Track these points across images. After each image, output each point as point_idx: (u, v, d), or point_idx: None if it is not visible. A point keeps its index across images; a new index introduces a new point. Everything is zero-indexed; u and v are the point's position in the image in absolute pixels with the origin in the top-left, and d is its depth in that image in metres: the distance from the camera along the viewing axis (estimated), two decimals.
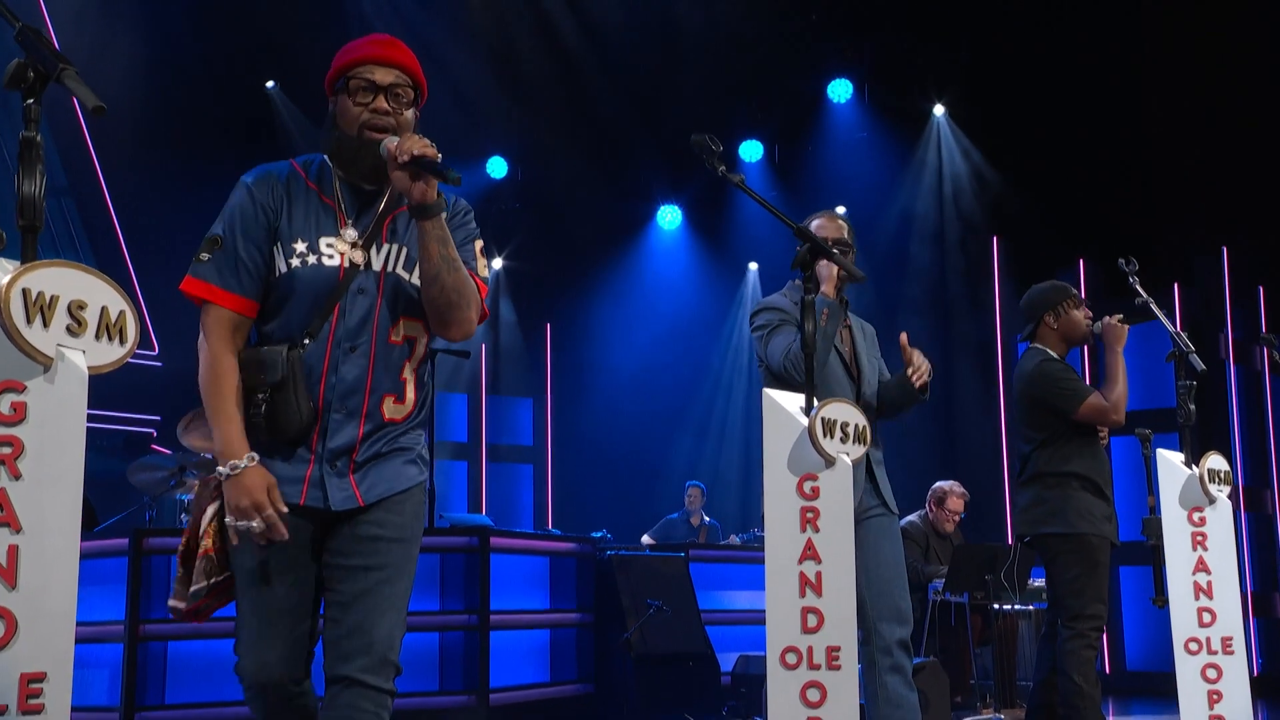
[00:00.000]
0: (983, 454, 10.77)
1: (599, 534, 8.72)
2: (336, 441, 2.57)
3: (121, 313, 2.00)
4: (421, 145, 2.52)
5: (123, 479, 6.90)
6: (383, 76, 2.67)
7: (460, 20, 11.52)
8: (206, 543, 2.58)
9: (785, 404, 3.20)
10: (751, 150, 12.60)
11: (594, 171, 12.28)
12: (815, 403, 3.17)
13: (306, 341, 2.56)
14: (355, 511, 2.59)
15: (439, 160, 2.52)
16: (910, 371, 4.00)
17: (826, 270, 3.98)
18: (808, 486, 3.13)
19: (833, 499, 3.13)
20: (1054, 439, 4.77)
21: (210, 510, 2.59)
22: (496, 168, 12.82)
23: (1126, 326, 4.68)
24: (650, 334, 12.73)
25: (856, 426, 3.21)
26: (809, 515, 3.12)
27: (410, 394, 2.67)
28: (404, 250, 2.67)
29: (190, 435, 6.28)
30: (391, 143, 2.56)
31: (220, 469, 2.51)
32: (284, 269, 2.59)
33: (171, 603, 2.60)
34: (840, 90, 12.29)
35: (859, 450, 3.22)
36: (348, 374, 2.58)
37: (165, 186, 9.85)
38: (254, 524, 2.48)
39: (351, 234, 2.63)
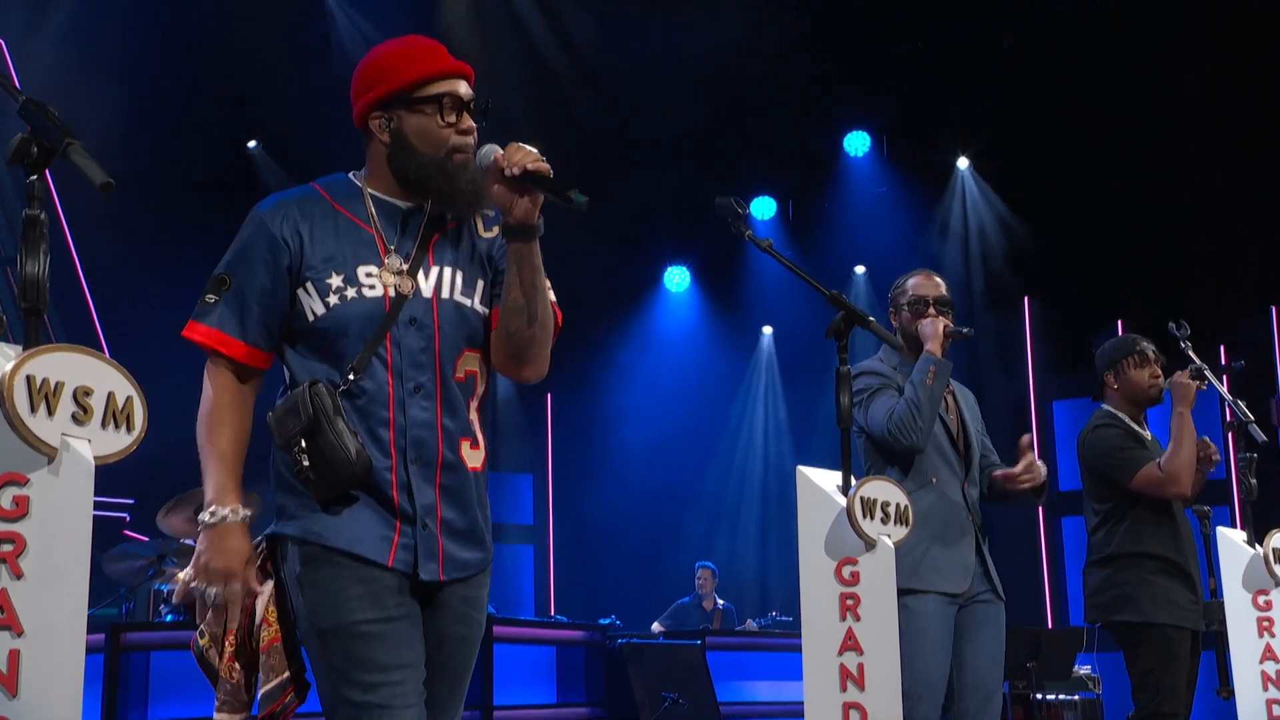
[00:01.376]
0: (1019, 528, 10.74)
1: (607, 620, 8.67)
2: (420, 497, 2.43)
3: (129, 399, 1.99)
4: (534, 159, 2.41)
5: (96, 568, 6.87)
6: (465, 90, 2.55)
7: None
8: (270, 632, 2.43)
9: (820, 482, 3.21)
10: (764, 207, 12.70)
11: (594, 227, 12.28)
12: (853, 481, 3.19)
13: (351, 377, 2.42)
14: (436, 588, 2.45)
15: (552, 176, 2.41)
16: (1021, 472, 4.03)
17: (931, 328, 4.05)
18: (847, 571, 3.14)
19: (874, 584, 3.13)
20: (1121, 513, 4.71)
21: (266, 592, 2.44)
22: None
23: (1195, 385, 4.59)
24: (658, 404, 12.75)
25: (898, 506, 3.22)
26: (849, 602, 3.12)
27: (481, 439, 2.54)
28: (458, 274, 2.55)
29: (171, 518, 6.28)
30: (497, 151, 2.46)
31: (202, 515, 2.38)
32: (320, 310, 2.46)
33: (225, 718, 2.42)
34: (858, 143, 12.41)
35: (901, 532, 3.23)
36: (416, 415, 2.44)
37: (141, 254, 9.90)
38: (212, 591, 2.34)
39: (396, 261, 2.50)
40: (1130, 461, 4.62)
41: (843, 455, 3.23)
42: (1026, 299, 11.22)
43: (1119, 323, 10.49)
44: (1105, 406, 4.88)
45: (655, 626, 9.80)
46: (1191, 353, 4.37)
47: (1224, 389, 4.25)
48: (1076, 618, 9.73)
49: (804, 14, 11.14)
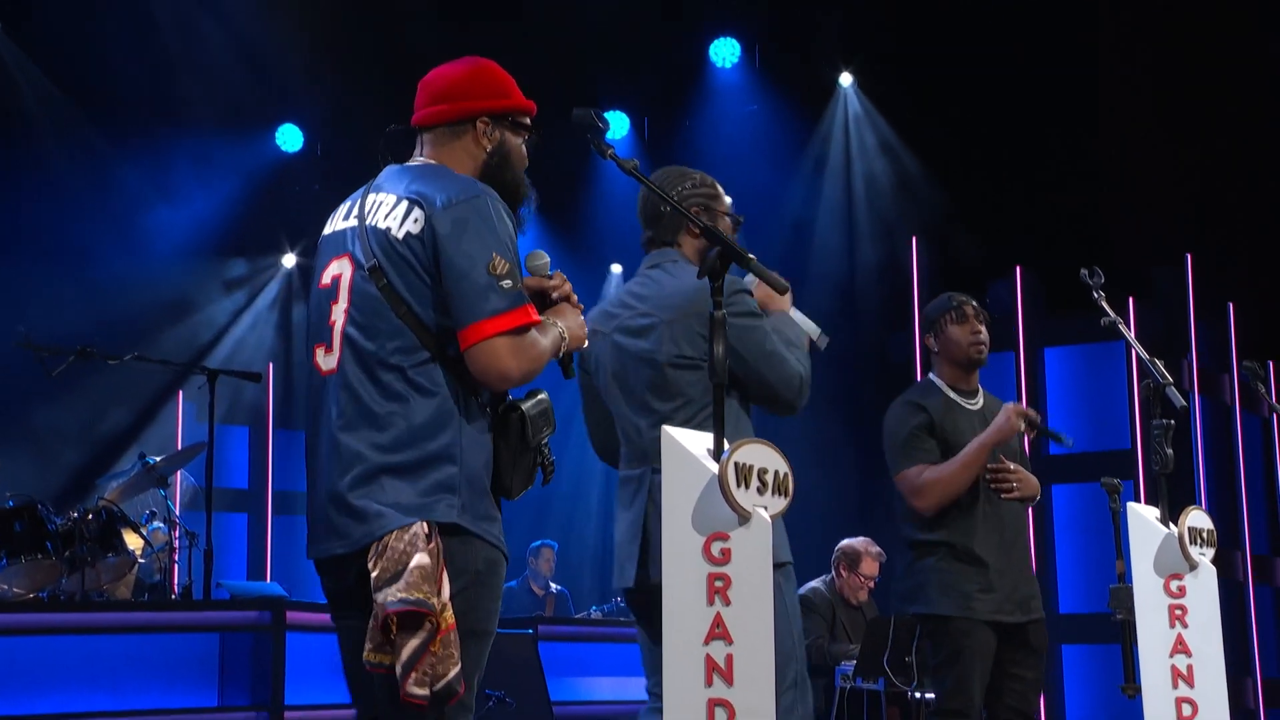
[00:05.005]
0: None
1: None
2: None
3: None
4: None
5: None
6: None
7: None
8: (450, 615, 3.05)
9: (689, 444, 3.23)
10: (616, 123, 12.68)
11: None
12: (727, 444, 3.21)
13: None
14: None
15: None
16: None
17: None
18: (717, 548, 3.16)
19: (748, 563, 3.16)
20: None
21: (447, 579, 3.08)
22: (289, 138, 12.66)
23: (1021, 428, 4.84)
24: None
25: (777, 474, 3.25)
26: (718, 584, 3.15)
27: None
28: None
29: None
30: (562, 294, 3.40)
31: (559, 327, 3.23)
32: None
33: (421, 690, 3.00)
34: (725, 52, 12.44)
35: (780, 503, 3.26)
36: None
37: None
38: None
39: None
40: (902, 457, 4.87)
41: (715, 415, 3.24)
42: (915, 239, 11.43)
43: (1017, 269, 10.77)
44: (930, 376, 5.07)
45: None
46: (1105, 304, 4.50)
47: (1141, 349, 4.39)
48: (1067, 603, 10.00)
49: None
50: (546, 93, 3.73)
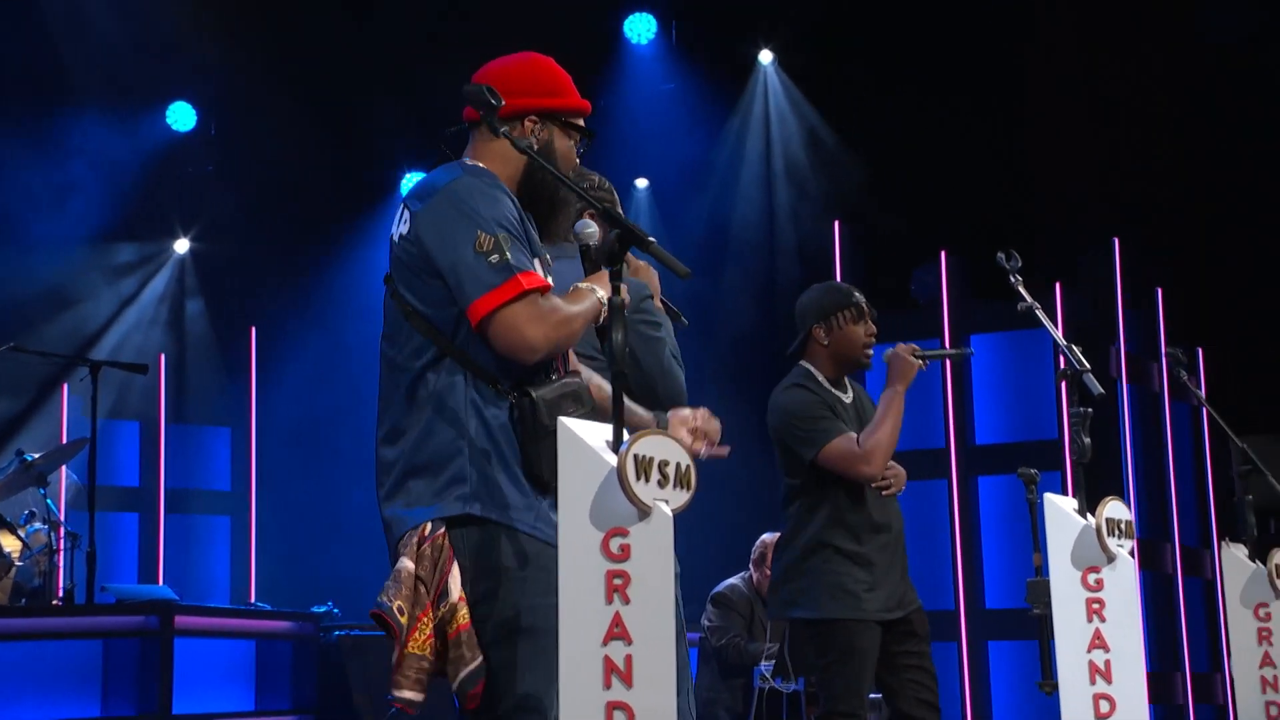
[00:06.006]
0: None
1: (323, 608, 8.61)
2: None
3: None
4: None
5: None
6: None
7: None
8: (464, 614, 3.21)
9: (586, 436, 3.22)
10: None
11: (316, 126, 12.11)
12: (626, 435, 3.21)
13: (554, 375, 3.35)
14: None
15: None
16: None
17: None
18: (615, 544, 3.16)
19: (648, 560, 3.16)
20: (810, 491, 5.00)
21: (457, 573, 3.21)
22: (181, 117, 12.52)
23: (918, 365, 4.91)
24: None
25: (679, 467, 3.25)
26: (617, 581, 3.15)
27: None
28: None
29: None
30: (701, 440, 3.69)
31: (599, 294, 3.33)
32: None
33: (408, 694, 3.16)
34: (641, 27, 12.44)
35: (682, 497, 3.26)
36: None
37: None
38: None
39: (551, 279, 3.37)
40: (818, 433, 4.91)
41: (614, 404, 3.24)
42: (837, 222, 11.48)
43: (941, 254, 10.85)
44: (803, 364, 5.11)
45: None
46: (1022, 289, 4.56)
47: (1058, 334, 4.45)
48: (994, 598, 10.07)
49: None
50: (451, 73, 3.72)
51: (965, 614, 9.84)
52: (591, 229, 3.50)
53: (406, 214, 3.38)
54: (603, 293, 3.35)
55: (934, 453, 10.20)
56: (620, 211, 4.20)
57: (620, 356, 3.21)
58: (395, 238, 3.39)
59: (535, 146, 3.42)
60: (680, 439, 3.39)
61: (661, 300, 4.21)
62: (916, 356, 4.98)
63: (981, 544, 10.39)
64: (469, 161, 3.47)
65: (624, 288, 3.26)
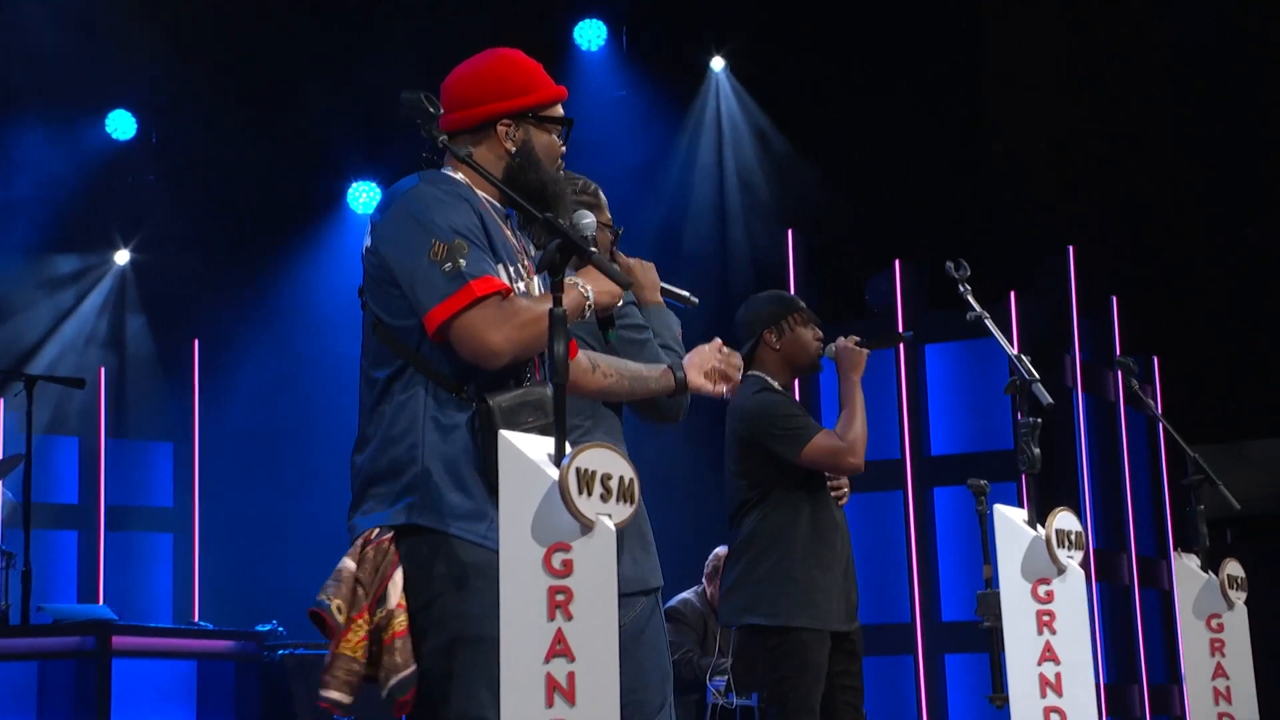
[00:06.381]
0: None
1: (267, 627, 8.56)
2: None
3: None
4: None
5: None
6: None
7: None
8: (401, 621, 3.25)
9: (527, 449, 3.23)
10: None
11: (261, 133, 12.06)
12: (569, 448, 3.21)
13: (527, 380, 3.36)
14: None
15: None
16: None
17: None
18: (558, 560, 3.16)
19: (591, 575, 3.17)
20: (772, 495, 5.03)
21: (399, 578, 3.26)
22: (121, 125, 12.44)
23: (865, 352, 5.00)
24: (339, 355, 12.54)
25: (622, 480, 3.26)
26: (559, 598, 3.15)
27: None
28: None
29: None
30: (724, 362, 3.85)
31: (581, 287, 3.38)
32: None
33: (335, 695, 3.21)
34: (591, 34, 12.46)
35: (625, 511, 3.27)
36: None
37: None
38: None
39: (537, 283, 3.46)
40: (801, 431, 4.95)
41: (556, 417, 3.24)
42: (790, 231, 11.52)
43: (896, 262, 10.89)
44: (756, 373, 5.16)
45: None
46: (971, 298, 4.59)
47: (1007, 343, 4.48)
48: (950, 610, 10.09)
49: None
50: (398, 81, 3.73)
51: (921, 627, 9.87)
52: (589, 219, 3.63)
53: (370, 226, 3.47)
54: (588, 286, 3.40)
55: (889, 463, 10.23)
56: (607, 215, 4.26)
57: (561, 369, 3.22)
58: (364, 249, 3.47)
59: (513, 149, 3.46)
60: (700, 387, 3.72)
61: (664, 287, 4.29)
62: (860, 345, 5.06)
63: (938, 556, 10.43)
64: (445, 171, 3.51)
65: (577, 295, 3.31)
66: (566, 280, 3.31)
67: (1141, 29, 10.90)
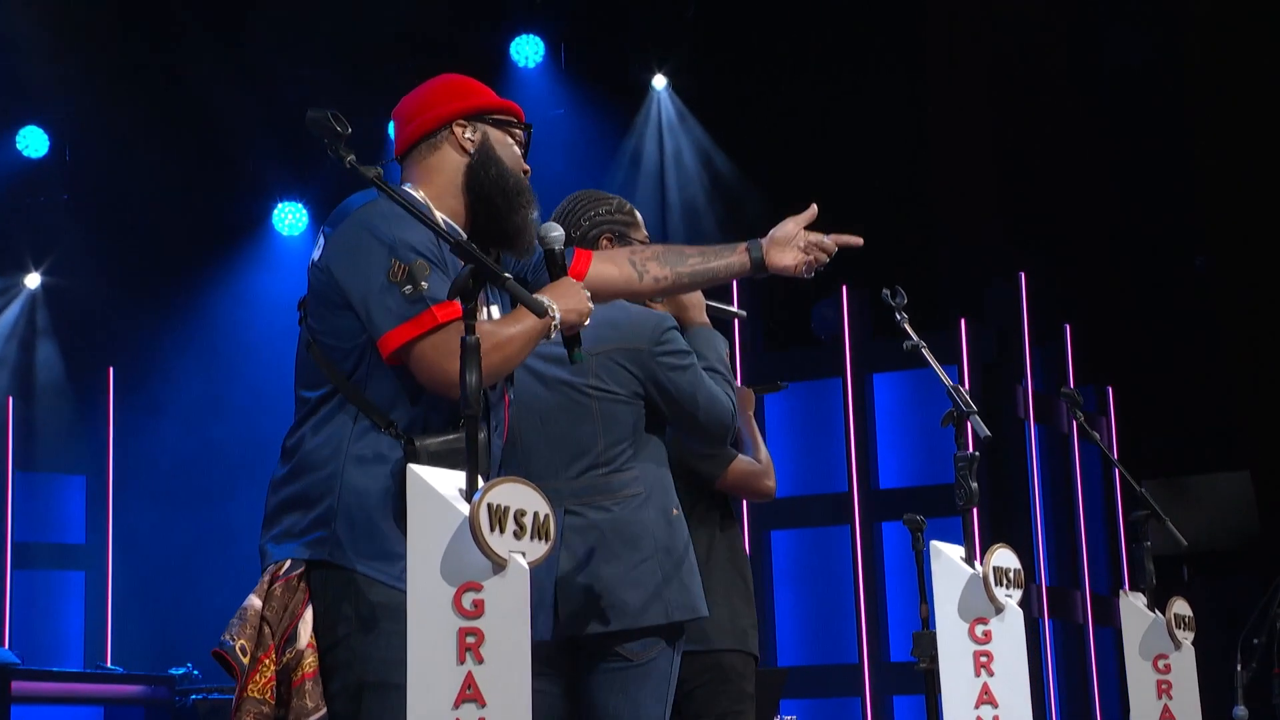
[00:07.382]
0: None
1: (181, 670, 8.50)
2: None
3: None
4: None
5: None
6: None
7: None
8: (311, 661, 3.24)
9: (437, 484, 3.21)
10: None
11: (180, 152, 12.03)
12: (482, 482, 3.20)
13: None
14: None
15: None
16: None
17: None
18: (469, 600, 3.15)
19: (504, 616, 3.15)
20: (692, 516, 5.02)
21: (309, 617, 3.25)
22: (33, 142, 12.37)
23: (752, 393, 5.07)
24: (263, 381, 12.49)
25: (537, 516, 3.25)
26: (470, 640, 3.14)
27: None
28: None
29: None
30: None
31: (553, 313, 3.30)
32: None
33: None
34: (529, 50, 12.49)
35: (540, 549, 3.26)
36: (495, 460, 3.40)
37: None
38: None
39: (495, 310, 3.47)
40: (722, 455, 4.95)
41: (468, 449, 3.23)
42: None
43: (843, 288, 10.95)
44: None
45: None
46: (908, 325, 4.61)
47: (944, 375, 4.49)
48: (899, 651, 10.06)
49: None
50: (327, 98, 3.74)
51: (869, 668, 9.88)
52: (558, 232, 3.55)
53: (321, 240, 3.40)
54: (554, 305, 3.36)
55: (836, 497, 10.27)
56: (644, 234, 4.29)
57: (474, 399, 3.20)
58: (310, 263, 3.41)
59: (471, 149, 3.49)
60: (784, 267, 3.89)
61: (709, 304, 4.35)
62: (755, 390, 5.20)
63: (886, 593, 10.45)
64: (405, 188, 3.49)
65: (492, 319, 3.32)
66: (535, 298, 3.30)
67: (1086, 55, 11.04)
